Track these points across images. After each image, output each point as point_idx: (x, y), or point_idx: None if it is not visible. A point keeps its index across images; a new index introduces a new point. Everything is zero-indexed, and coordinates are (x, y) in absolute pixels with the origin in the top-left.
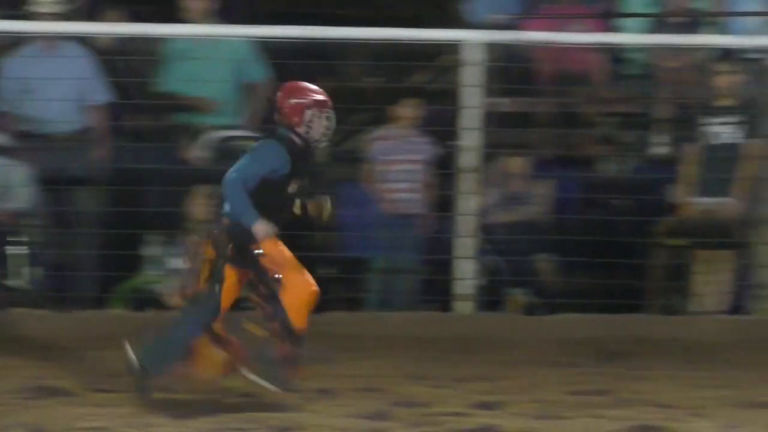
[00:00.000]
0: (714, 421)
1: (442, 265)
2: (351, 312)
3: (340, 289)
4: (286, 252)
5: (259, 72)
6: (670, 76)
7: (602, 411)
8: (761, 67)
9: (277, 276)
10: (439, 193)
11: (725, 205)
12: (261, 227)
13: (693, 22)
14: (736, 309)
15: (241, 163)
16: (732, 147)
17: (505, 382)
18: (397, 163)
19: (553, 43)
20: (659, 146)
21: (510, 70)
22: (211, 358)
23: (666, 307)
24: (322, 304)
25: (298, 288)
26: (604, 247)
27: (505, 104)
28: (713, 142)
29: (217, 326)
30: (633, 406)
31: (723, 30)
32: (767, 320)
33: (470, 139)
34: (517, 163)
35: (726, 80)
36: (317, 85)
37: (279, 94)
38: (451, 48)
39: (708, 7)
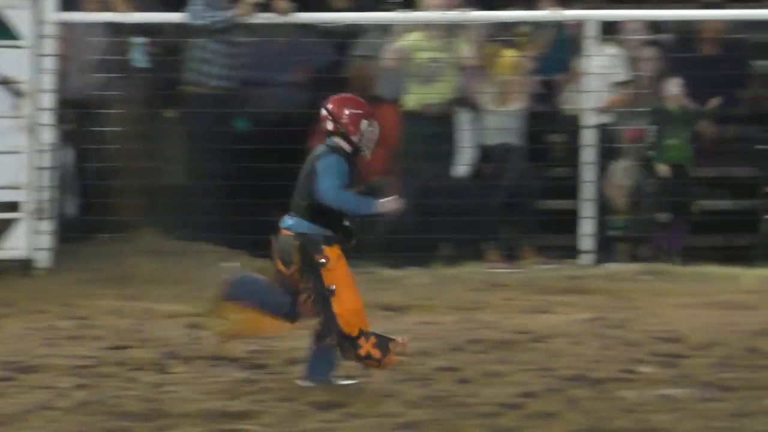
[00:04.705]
0: None
1: None
2: None
3: None
4: (346, 267)
5: None
6: None
7: None
8: None
9: (332, 287)
10: None
11: None
12: (388, 204)
13: None
14: None
15: (326, 178)
16: None
17: None
18: None
19: None
20: None
21: None
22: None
23: None
24: None
25: (348, 302)
26: None
27: None
28: None
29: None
30: None
31: None
32: None
33: None
34: None
35: None
36: None
37: (331, 104)
38: None
39: None
